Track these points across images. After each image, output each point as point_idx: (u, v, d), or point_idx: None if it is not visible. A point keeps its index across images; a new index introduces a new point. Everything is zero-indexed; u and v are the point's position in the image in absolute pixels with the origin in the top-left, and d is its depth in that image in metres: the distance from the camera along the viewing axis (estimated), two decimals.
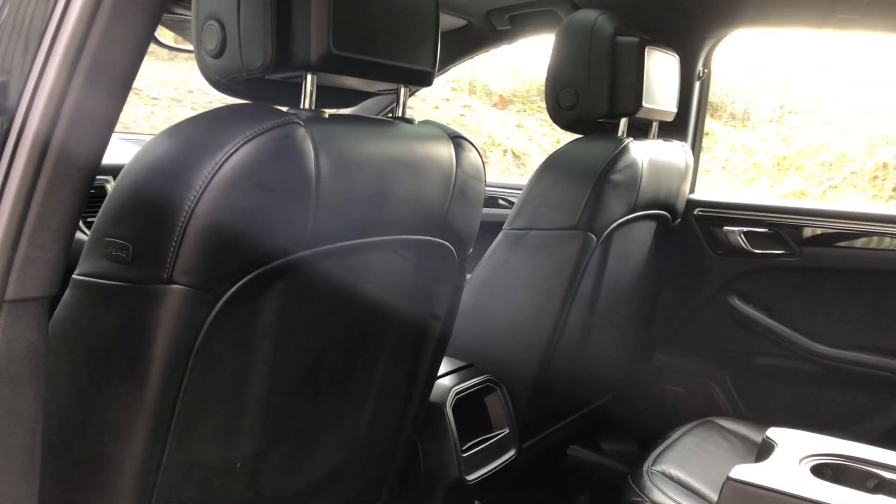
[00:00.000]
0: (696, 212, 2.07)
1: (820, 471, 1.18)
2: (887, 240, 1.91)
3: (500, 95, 7.48)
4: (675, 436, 1.78)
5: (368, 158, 0.99)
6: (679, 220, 1.98)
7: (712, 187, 6.55)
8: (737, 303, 2.06)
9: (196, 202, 0.82)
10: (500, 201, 2.44)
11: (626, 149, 1.59)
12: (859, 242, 1.93)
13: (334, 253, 1.00)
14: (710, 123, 6.89)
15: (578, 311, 1.67)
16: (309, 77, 0.95)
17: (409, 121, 1.11)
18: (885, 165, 6.35)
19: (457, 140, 1.14)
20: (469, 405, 1.57)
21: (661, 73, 1.71)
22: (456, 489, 1.47)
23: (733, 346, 2.09)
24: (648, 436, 2.20)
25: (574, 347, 1.74)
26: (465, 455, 1.50)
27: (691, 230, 2.08)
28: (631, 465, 2.22)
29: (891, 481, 1.15)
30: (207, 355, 0.91)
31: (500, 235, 1.65)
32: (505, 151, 6.96)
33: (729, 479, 1.12)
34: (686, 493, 1.54)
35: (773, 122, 7.39)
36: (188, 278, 0.85)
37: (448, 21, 2.15)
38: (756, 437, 1.81)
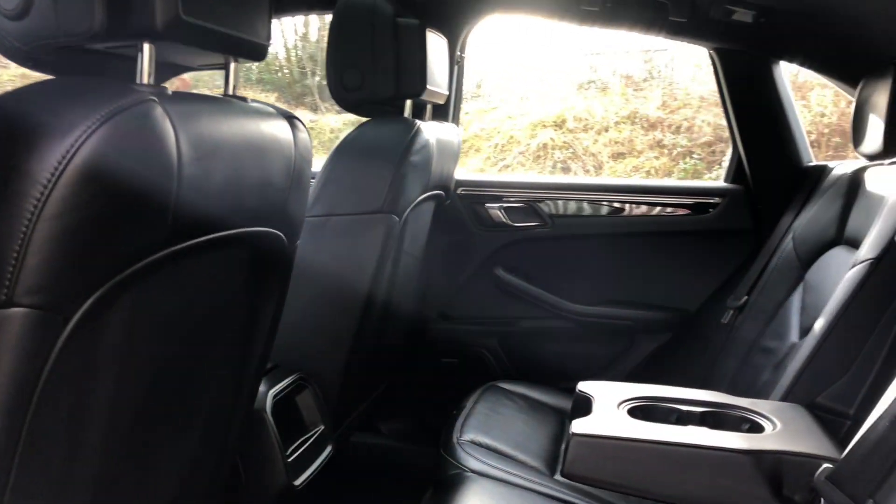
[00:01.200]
0: (459, 190, 2.17)
1: (634, 413, 1.32)
2: (611, 206, 2.20)
3: (183, 79, 6.99)
4: (468, 404, 1.85)
5: (224, 141, 0.87)
6: (449, 199, 2.06)
7: None
8: (501, 273, 2.22)
9: (43, 203, 0.64)
10: None
11: (419, 130, 1.60)
12: (596, 210, 2.19)
13: (188, 252, 0.85)
14: None
15: (381, 295, 1.65)
16: (146, 47, 0.80)
17: (244, 99, 0.99)
18: (545, 146, 7.14)
19: (291, 120, 1.05)
20: (283, 407, 1.47)
21: (435, 55, 1.75)
22: (285, 496, 1.38)
23: (500, 314, 2.24)
24: (430, 409, 2.28)
25: (375, 333, 1.72)
26: (289, 460, 1.41)
27: (456, 208, 2.17)
28: (411, 441, 2.29)
29: (688, 412, 1.34)
30: (50, 391, 0.72)
31: None
32: None
33: (574, 434, 1.20)
34: (497, 455, 1.63)
35: None
36: (33, 298, 0.66)
37: None
38: (532, 394, 1.98)
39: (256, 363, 1.20)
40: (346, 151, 1.57)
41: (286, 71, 7.08)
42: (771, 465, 1.14)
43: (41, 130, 0.66)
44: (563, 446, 1.23)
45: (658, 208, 2.15)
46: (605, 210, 2.19)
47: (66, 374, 0.75)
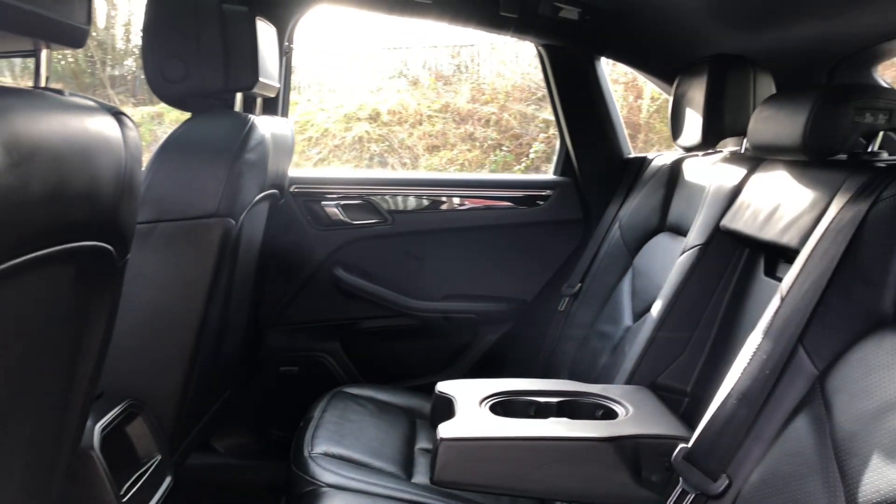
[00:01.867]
0: (293, 188, 2.06)
1: (496, 410, 1.32)
2: (449, 201, 2.20)
3: None
4: (316, 414, 1.77)
5: (43, 142, 0.73)
6: (283, 198, 1.95)
7: None
8: (340, 273, 2.14)
9: None
10: None
11: (254, 126, 1.49)
12: (434, 206, 2.18)
13: (3, 275, 0.71)
14: None
15: (218, 306, 1.52)
16: None
17: (60, 91, 0.85)
18: (360, 139, 7.12)
19: (118, 116, 0.92)
20: (114, 440, 1.30)
21: (266, 45, 1.64)
22: None
23: (341, 315, 2.17)
24: (271, 421, 2.15)
25: (211, 347, 1.58)
26: (124, 499, 1.25)
27: (290, 207, 2.06)
28: (249, 457, 2.15)
29: (546, 404, 1.36)
30: None
31: None
32: None
33: (442, 439, 1.17)
34: (352, 466, 1.57)
35: None
36: None
37: None
38: (381, 396, 1.93)
39: (84, 395, 1.05)
40: (172, 150, 1.42)
41: (70, 59, 6.42)
42: (630, 450, 1.19)
43: None
44: (432, 452, 1.19)
45: (494, 202, 2.18)
46: (444, 205, 2.18)
47: None
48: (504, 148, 6.07)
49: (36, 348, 0.89)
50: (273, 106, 1.94)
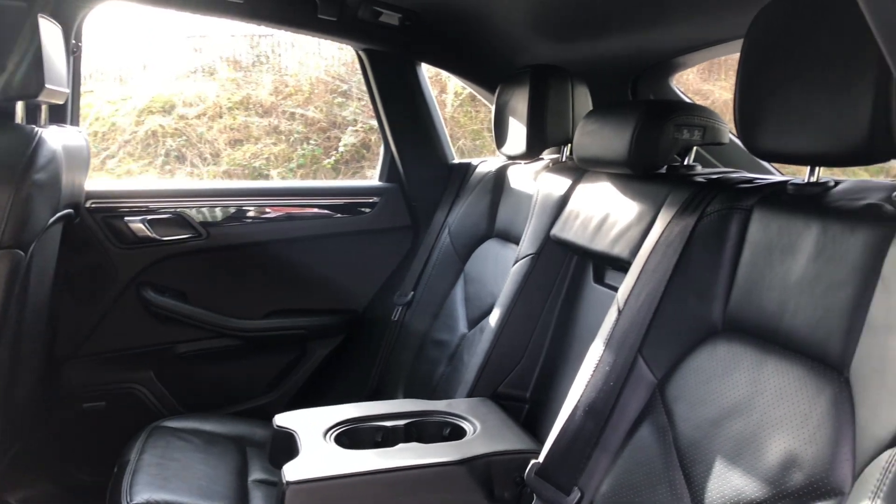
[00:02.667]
0: (90, 204, 1.84)
1: (341, 441, 1.25)
2: (270, 211, 2.08)
3: None
4: (132, 456, 1.60)
5: None
6: (79, 216, 1.73)
7: None
8: (150, 294, 1.94)
9: None
10: None
11: (42, 140, 1.29)
12: (254, 217, 2.04)
13: None
14: None
15: (4, 347, 1.31)
16: None
17: None
18: (154, 133, 6.69)
19: None
20: None
21: (51, 47, 1.43)
22: None
23: (153, 341, 1.97)
24: (76, 467, 1.91)
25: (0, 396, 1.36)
26: None
27: (88, 225, 1.83)
28: None
29: (393, 428, 1.31)
30: None
31: None
32: None
33: (288, 483, 1.09)
34: None
35: None
36: None
37: None
38: (207, 426, 1.78)
39: None
40: None
41: None
42: (481, 470, 1.18)
43: None
44: (277, 497, 1.10)
45: (318, 210, 2.09)
46: (263, 215, 2.05)
47: None
48: (312, 141, 5.94)
49: None
50: (61, 113, 1.70)
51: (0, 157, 1.23)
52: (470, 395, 1.49)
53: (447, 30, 1.84)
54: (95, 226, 1.85)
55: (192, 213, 1.96)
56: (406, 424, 1.32)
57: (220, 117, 6.16)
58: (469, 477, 1.16)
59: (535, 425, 1.44)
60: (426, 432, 1.32)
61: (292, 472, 1.11)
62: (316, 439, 1.24)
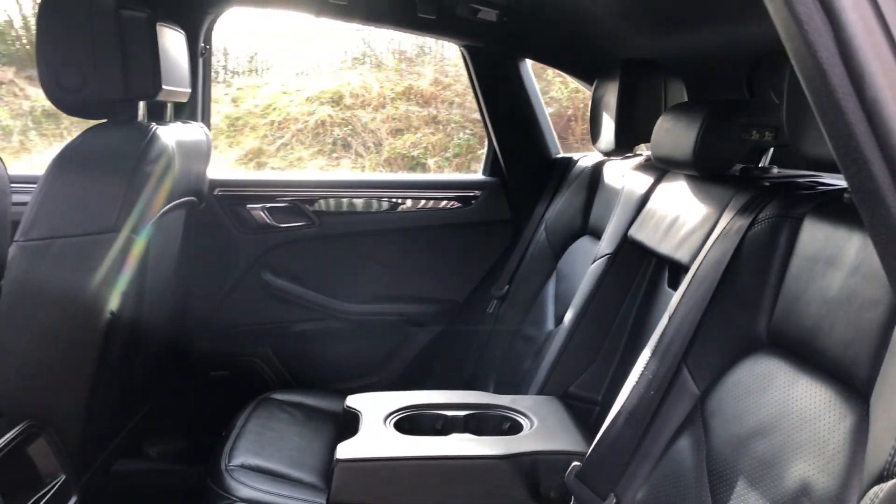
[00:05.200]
0: (216, 192, 2.03)
1: (401, 426, 1.31)
2: (377, 203, 2.17)
3: None
4: (238, 423, 1.75)
5: None
6: (204, 203, 1.91)
7: None
8: (268, 277, 2.11)
9: None
10: None
11: (155, 136, 1.45)
12: (363, 207, 2.16)
13: None
14: None
15: (125, 320, 1.49)
16: None
17: None
18: (323, 123, 7.04)
19: None
20: (11, 462, 1.27)
21: (172, 51, 1.59)
22: None
23: (270, 319, 2.14)
24: (203, 427, 2.13)
25: (122, 361, 1.55)
26: None
27: (215, 211, 2.03)
28: (186, 461, 2.13)
29: (454, 418, 1.35)
30: None
31: (12, 250, 1.34)
32: None
33: (338, 461, 1.17)
34: (271, 479, 1.55)
35: (220, 84, 7.57)
36: None
37: None
38: (309, 401, 1.92)
39: None
40: (68, 163, 1.37)
41: (25, 42, 6.23)
42: (528, 467, 1.19)
43: None
44: (329, 472, 1.18)
45: (423, 202, 2.16)
46: (371, 206, 2.16)
47: None
48: (468, 131, 6.04)
49: None
50: (189, 110, 1.89)
51: (117, 151, 1.39)
52: (540, 392, 1.49)
53: (545, 24, 1.83)
54: (222, 212, 2.04)
55: (307, 202, 2.10)
56: (466, 416, 1.36)
57: (384, 107, 6.42)
58: (513, 472, 1.18)
59: None
60: (485, 425, 1.35)
61: (344, 450, 1.19)
62: (376, 422, 1.30)
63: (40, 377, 1.39)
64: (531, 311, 1.89)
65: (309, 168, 6.13)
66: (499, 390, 1.84)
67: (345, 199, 2.13)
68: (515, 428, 1.32)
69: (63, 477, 1.38)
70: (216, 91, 7.29)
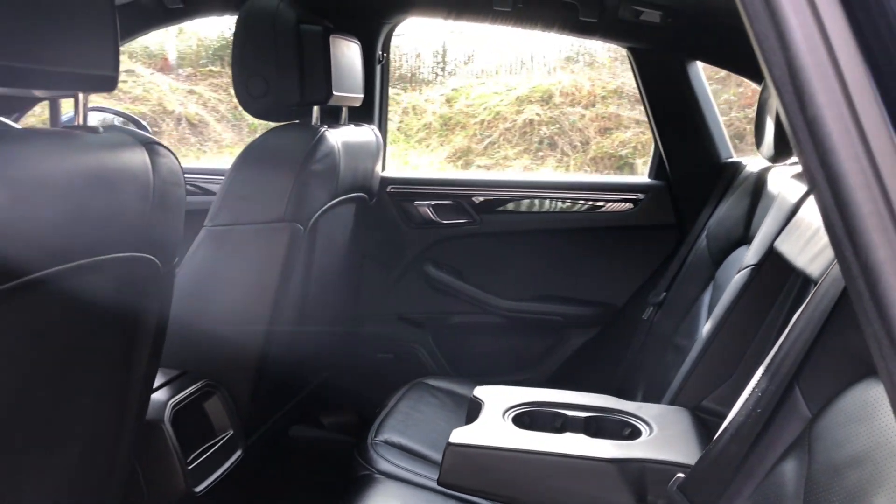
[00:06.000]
0: (388, 189, 2.19)
1: (520, 420, 1.36)
2: (538, 202, 2.21)
3: (164, 58, 6.93)
4: (391, 402, 1.89)
5: (54, 178, 0.88)
6: (375, 198, 2.08)
7: (391, 150, 6.89)
8: (431, 270, 2.24)
9: None
10: (189, 187, 2.32)
11: (323, 137, 1.61)
12: (524, 207, 2.21)
13: (29, 286, 0.88)
14: None
15: (292, 300, 1.68)
16: None
17: (94, 129, 1.01)
18: (531, 122, 7.11)
19: (151, 146, 1.07)
20: (189, 414, 1.50)
21: (345, 59, 1.76)
22: (186, 502, 1.41)
23: (432, 310, 2.27)
24: (366, 403, 2.32)
25: (290, 336, 1.75)
26: (190, 468, 1.44)
27: (386, 207, 2.19)
28: (353, 433, 2.33)
29: (573, 418, 1.37)
30: None
31: (202, 233, 1.57)
32: (179, 120, 6.50)
33: (449, 444, 1.24)
34: (410, 457, 1.66)
35: (435, 84, 7.92)
36: None
37: None
38: (459, 389, 2.01)
39: (142, 377, 1.23)
40: (248, 159, 1.58)
41: None
42: (635, 473, 1.18)
43: None
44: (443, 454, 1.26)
45: (584, 204, 2.17)
46: (532, 206, 2.21)
47: None
48: None
49: (86, 335, 1.07)
50: (365, 113, 2.06)
51: (289, 150, 1.58)
52: (672, 402, 1.45)
53: (710, 24, 1.76)
54: (392, 208, 2.21)
55: (470, 201, 2.20)
56: (587, 417, 1.36)
57: (593, 106, 6.40)
58: (618, 477, 1.17)
59: None
60: (605, 428, 1.34)
61: (457, 435, 1.25)
62: (495, 413, 1.36)
63: (219, 344, 1.61)
64: (685, 321, 1.83)
65: (513, 167, 6.24)
66: (647, 398, 1.80)
67: (507, 199, 2.20)
68: (634, 434, 1.31)
69: (231, 432, 1.60)
70: (432, 92, 7.70)
